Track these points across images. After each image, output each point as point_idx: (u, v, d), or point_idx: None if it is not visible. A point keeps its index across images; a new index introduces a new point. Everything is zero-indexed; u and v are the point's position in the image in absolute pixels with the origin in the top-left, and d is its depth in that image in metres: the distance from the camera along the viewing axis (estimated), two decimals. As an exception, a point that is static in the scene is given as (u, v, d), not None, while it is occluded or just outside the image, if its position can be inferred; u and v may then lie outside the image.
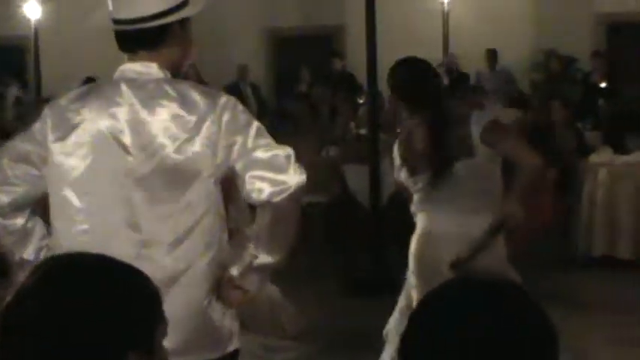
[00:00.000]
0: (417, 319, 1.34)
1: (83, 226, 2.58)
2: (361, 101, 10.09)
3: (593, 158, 8.02)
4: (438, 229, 3.81)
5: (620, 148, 8.04)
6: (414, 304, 3.89)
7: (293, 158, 2.60)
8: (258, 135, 2.58)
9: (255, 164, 2.56)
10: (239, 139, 2.56)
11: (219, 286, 2.63)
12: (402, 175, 3.94)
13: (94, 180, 2.57)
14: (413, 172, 3.87)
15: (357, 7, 7.80)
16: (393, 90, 4.06)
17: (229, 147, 2.56)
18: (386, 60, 8.19)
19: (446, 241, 3.75)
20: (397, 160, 3.97)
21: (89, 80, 11.50)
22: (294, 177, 2.57)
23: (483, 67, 12.56)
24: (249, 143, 2.56)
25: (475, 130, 3.72)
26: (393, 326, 3.95)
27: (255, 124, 2.61)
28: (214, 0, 2.83)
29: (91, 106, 2.58)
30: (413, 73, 3.94)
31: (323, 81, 12.41)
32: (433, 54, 10.83)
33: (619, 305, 6.56)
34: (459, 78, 11.68)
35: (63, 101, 2.64)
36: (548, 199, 7.86)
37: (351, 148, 8.54)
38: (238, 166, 2.58)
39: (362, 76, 8.92)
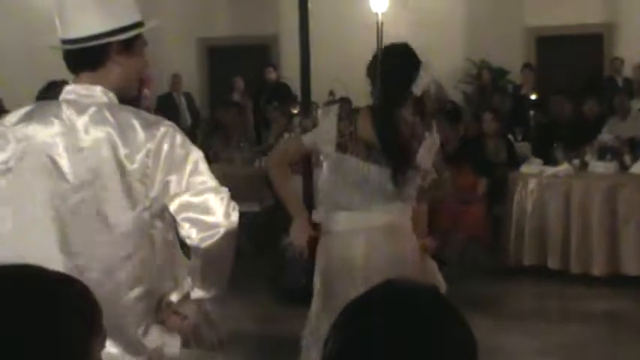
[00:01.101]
0: (338, 327, 1.34)
1: (13, 249, 2.54)
2: (295, 111, 10.09)
3: (524, 169, 8.15)
4: (351, 226, 3.70)
5: (549, 159, 8.18)
6: (314, 307, 3.83)
7: (227, 199, 2.60)
8: (193, 172, 2.57)
9: (187, 206, 2.56)
10: (174, 177, 2.55)
11: (159, 311, 2.64)
12: (327, 149, 3.71)
13: (30, 203, 2.55)
14: (343, 149, 3.69)
15: (291, 18, 7.79)
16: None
17: (165, 184, 2.55)
18: (319, 70, 8.23)
19: (354, 236, 3.69)
20: (328, 131, 3.69)
21: (52, 85, 11.31)
22: (225, 220, 2.57)
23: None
24: (184, 183, 2.55)
25: (427, 153, 3.73)
26: (309, 332, 3.88)
27: (193, 157, 2.58)
28: (148, 9, 2.79)
29: (33, 128, 2.56)
30: (390, 57, 3.83)
31: (256, 91, 12.41)
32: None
33: (548, 314, 6.66)
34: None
35: (7, 121, 2.61)
36: (479, 209, 7.96)
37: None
38: (172, 207, 2.58)
39: (296, 86, 8.93)
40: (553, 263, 7.62)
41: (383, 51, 3.88)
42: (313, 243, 3.84)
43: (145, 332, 2.60)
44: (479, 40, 12.91)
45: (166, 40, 13.41)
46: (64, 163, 2.53)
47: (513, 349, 5.81)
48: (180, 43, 13.87)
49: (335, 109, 3.74)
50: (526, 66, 12.28)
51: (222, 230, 2.56)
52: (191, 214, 2.55)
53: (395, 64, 3.77)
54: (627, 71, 11.97)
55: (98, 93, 2.58)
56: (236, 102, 11.62)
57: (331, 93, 11.42)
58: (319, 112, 3.84)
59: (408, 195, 3.75)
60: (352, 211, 3.69)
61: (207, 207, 2.56)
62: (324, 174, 3.80)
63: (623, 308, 6.75)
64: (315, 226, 3.85)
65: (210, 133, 10.01)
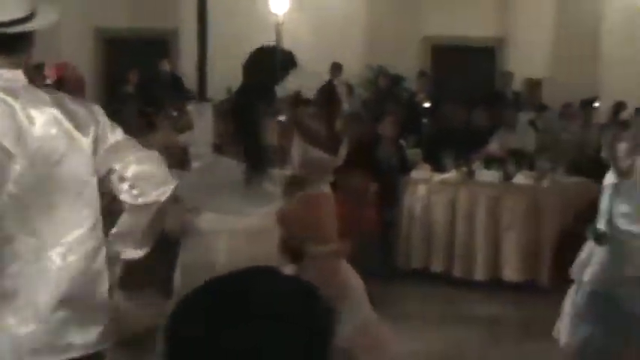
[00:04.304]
0: (164, 334, 1.31)
1: None
2: (191, 108, 10.02)
3: (414, 175, 8.33)
4: (216, 227, 3.63)
5: (438, 166, 8.39)
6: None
7: (165, 164, 2.76)
8: (127, 140, 2.74)
9: (130, 170, 2.69)
10: (113, 146, 2.69)
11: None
12: (202, 149, 3.70)
13: None
14: (220, 150, 3.66)
15: (191, 13, 7.79)
16: None
17: (107, 152, 2.68)
18: (218, 67, 8.23)
19: (219, 239, 3.62)
20: (204, 132, 3.69)
21: None
22: (168, 181, 2.73)
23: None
24: (123, 148, 2.70)
25: (298, 149, 3.72)
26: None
27: (121, 129, 2.75)
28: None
29: None
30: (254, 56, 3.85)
31: (148, 83, 12.22)
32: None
33: (429, 317, 6.82)
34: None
35: None
36: (371, 213, 8.09)
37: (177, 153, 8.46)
38: (116, 168, 2.69)
39: (193, 82, 8.89)
40: (437, 267, 7.83)
41: (255, 51, 3.90)
42: None
43: (108, 294, 2.73)
44: (378, 46, 13.10)
45: (60, 29, 13.10)
46: (12, 147, 2.55)
47: (395, 350, 5.93)
48: (75, 33, 13.58)
49: (209, 108, 3.73)
50: (422, 74, 12.54)
51: (167, 192, 2.71)
52: (134, 177, 2.68)
53: (262, 63, 3.78)
54: (517, 85, 12.38)
55: (21, 76, 2.64)
56: (131, 95, 11.46)
57: (229, 91, 11.40)
58: (191, 109, 3.69)
59: (270, 194, 3.68)
60: (219, 213, 3.61)
61: (149, 171, 2.70)
62: (193, 175, 3.69)
63: (502, 312, 6.99)
64: None
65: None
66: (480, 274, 7.63)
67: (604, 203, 5.64)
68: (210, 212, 3.63)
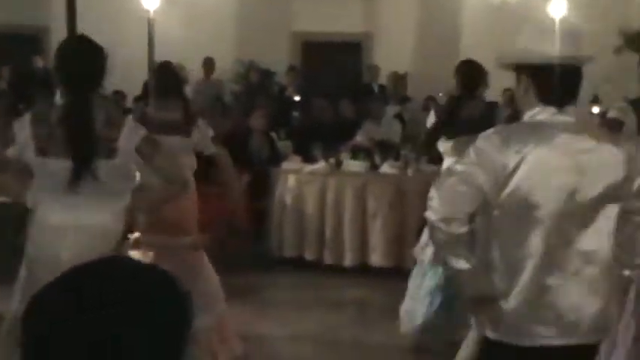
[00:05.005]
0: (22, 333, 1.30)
1: None
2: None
3: (284, 166, 8.59)
4: (60, 223, 3.58)
5: (308, 158, 8.68)
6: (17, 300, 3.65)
7: None
8: None
9: None
10: None
11: None
12: (28, 155, 3.62)
13: None
14: (43, 152, 3.61)
15: (61, 9, 7.78)
16: None
17: None
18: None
19: (63, 234, 3.57)
20: (25, 140, 3.61)
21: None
22: None
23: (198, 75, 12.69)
24: None
25: (127, 138, 3.64)
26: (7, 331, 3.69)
27: None
28: None
29: None
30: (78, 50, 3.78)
31: (21, 79, 12.05)
32: (139, 61, 10.95)
33: (303, 302, 7.09)
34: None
35: None
36: (241, 203, 8.30)
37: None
38: None
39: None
40: (309, 255, 8.11)
41: (69, 42, 3.93)
42: None
43: None
44: (248, 41, 13.30)
45: None
46: None
47: (269, 335, 6.17)
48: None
49: (28, 115, 3.69)
50: (291, 69, 12.82)
51: None
52: None
53: (78, 52, 3.75)
54: (383, 79, 12.82)
55: None
56: (4, 91, 11.29)
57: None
58: (15, 124, 3.68)
59: (109, 187, 3.65)
60: (65, 211, 3.59)
61: None
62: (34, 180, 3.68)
63: (370, 295, 7.33)
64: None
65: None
66: (348, 260, 7.94)
67: None
68: (51, 210, 3.61)
